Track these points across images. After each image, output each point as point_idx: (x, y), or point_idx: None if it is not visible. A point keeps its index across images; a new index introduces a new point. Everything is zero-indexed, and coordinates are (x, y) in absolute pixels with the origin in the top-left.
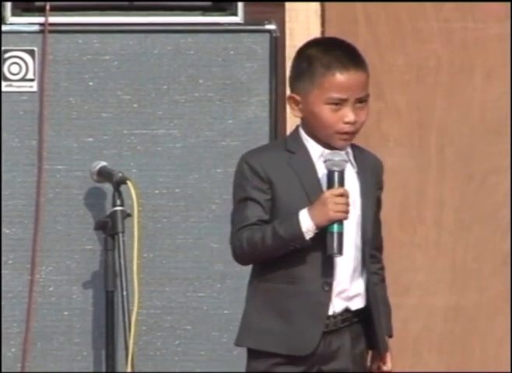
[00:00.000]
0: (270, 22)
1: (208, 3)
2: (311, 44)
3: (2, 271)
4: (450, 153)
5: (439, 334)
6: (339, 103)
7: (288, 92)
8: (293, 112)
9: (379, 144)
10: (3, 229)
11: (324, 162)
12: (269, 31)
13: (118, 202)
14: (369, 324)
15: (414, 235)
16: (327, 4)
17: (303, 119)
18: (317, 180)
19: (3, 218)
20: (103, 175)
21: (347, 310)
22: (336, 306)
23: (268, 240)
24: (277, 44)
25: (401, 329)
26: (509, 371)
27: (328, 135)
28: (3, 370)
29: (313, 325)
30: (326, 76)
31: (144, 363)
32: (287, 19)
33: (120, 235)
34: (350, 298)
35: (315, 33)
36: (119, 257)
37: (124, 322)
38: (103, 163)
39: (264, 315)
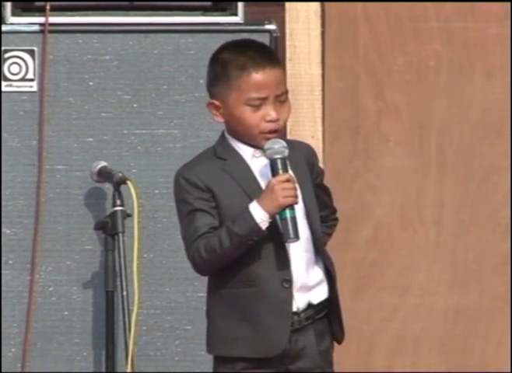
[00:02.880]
0: (270, 22)
1: (208, 3)
2: (224, 48)
3: (2, 271)
4: (450, 153)
5: (439, 334)
6: (259, 103)
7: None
8: (215, 117)
9: (379, 144)
10: (3, 229)
11: (265, 151)
12: (269, 31)
13: (118, 202)
14: (333, 316)
15: (414, 235)
16: (327, 4)
17: (226, 123)
18: (255, 180)
19: (3, 218)
20: (103, 175)
21: (310, 306)
22: (299, 302)
23: (226, 241)
24: (277, 44)
25: (401, 329)
26: (509, 371)
27: (253, 136)
28: (3, 370)
29: (280, 324)
30: (242, 77)
31: (144, 363)
32: (287, 19)
33: (121, 235)
34: (310, 289)
35: (315, 33)
36: (119, 257)
37: (124, 322)
38: (103, 163)
39: (230, 322)
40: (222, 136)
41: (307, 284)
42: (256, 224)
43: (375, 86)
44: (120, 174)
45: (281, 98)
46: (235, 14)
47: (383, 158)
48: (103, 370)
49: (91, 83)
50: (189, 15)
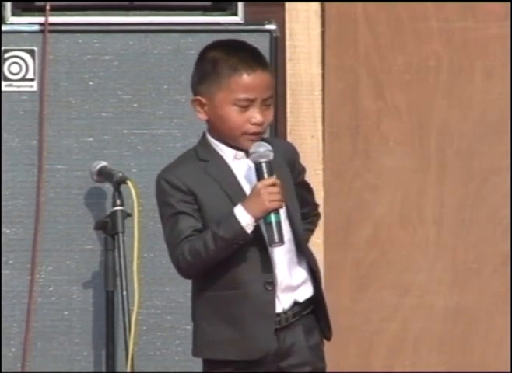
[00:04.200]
0: (270, 22)
1: (208, 3)
2: (214, 47)
3: (2, 271)
4: (450, 153)
5: (439, 334)
6: (247, 104)
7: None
8: (198, 114)
9: (379, 144)
10: (3, 229)
11: (250, 155)
12: (269, 31)
13: (118, 202)
14: (319, 313)
15: (414, 235)
16: (327, 4)
17: (208, 122)
18: (237, 182)
19: (3, 218)
20: (103, 175)
21: (296, 303)
22: (284, 302)
23: (211, 245)
24: (277, 44)
25: (401, 329)
26: (509, 371)
27: (235, 136)
28: (3, 370)
29: (264, 327)
30: (233, 77)
31: (144, 363)
32: (287, 19)
33: (121, 234)
34: (295, 289)
35: (315, 33)
36: (119, 257)
37: (124, 322)
38: (103, 163)
39: (214, 325)
40: (203, 137)
41: (291, 285)
42: (241, 228)
43: (375, 86)
44: (121, 174)
45: (267, 102)
46: (235, 14)
47: (383, 158)
48: (103, 370)
49: (91, 83)
50: (189, 15)
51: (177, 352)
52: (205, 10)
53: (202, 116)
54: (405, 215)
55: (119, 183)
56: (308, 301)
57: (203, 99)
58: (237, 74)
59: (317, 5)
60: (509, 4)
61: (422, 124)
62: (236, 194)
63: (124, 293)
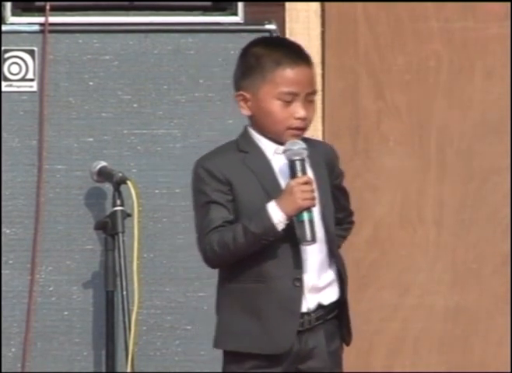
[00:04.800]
0: (270, 22)
1: (208, 3)
2: (257, 42)
3: (2, 271)
4: (450, 153)
5: (439, 334)
6: (291, 99)
7: None
8: (242, 110)
9: (379, 144)
10: (3, 229)
11: (284, 152)
12: (269, 31)
13: (118, 202)
14: (342, 318)
15: (414, 235)
16: (327, 4)
17: (252, 117)
18: (275, 176)
19: (3, 218)
20: (103, 175)
21: (320, 306)
22: (310, 302)
23: (240, 238)
24: None
25: (401, 329)
26: (509, 371)
27: (279, 131)
28: (3, 370)
29: (288, 323)
30: (277, 71)
31: (144, 363)
32: (287, 19)
33: (121, 235)
34: (320, 290)
35: (315, 33)
36: (119, 257)
37: (124, 322)
38: (103, 163)
39: (238, 317)
40: (245, 130)
41: (318, 285)
42: (272, 225)
43: (375, 86)
44: (120, 174)
45: (310, 97)
46: (235, 14)
47: (383, 158)
48: (103, 370)
49: (91, 83)
50: (189, 15)
51: (177, 352)
52: (205, 10)
53: (246, 112)
54: (405, 215)
55: (119, 183)
56: (332, 305)
57: (247, 94)
58: (281, 67)
59: (317, 5)
60: (509, 4)
61: (422, 124)
62: (272, 188)
63: (124, 293)
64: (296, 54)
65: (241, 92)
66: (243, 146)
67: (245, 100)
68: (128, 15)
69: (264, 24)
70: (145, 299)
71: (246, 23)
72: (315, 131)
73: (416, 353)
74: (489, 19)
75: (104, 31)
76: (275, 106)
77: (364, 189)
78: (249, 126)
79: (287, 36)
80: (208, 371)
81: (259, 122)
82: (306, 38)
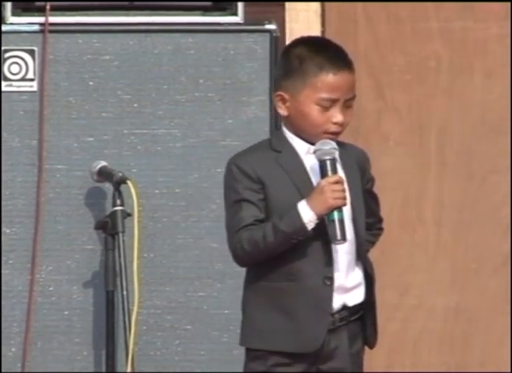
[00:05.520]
0: (270, 22)
1: (208, 3)
2: (300, 43)
3: (2, 271)
4: (450, 153)
5: (439, 334)
6: (330, 104)
7: None
8: (279, 110)
9: (379, 144)
10: (3, 229)
11: (314, 152)
12: (269, 31)
13: (118, 202)
14: (367, 320)
15: (414, 235)
16: (327, 4)
17: (287, 117)
18: (307, 176)
19: (3, 218)
20: (104, 175)
21: (344, 307)
22: (335, 302)
23: (270, 237)
24: (277, 44)
25: (401, 329)
26: (509, 371)
27: (315, 134)
28: (3, 370)
29: (318, 321)
30: (319, 76)
31: (144, 363)
32: (287, 19)
33: (121, 234)
34: (347, 291)
35: (315, 33)
36: (119, 257)
37: (124, 322)
38: (103, 163)
39: (267, 315)
40: (279, 129)
41: (345, 286)
42: (303, 224)
43: (375, 86)
44: (121, 174)
45: (349, 102)
46: (235, 14)
47: (383, 158)
48: (103, 370)
49: (91, 83)
50: (189, 15)
51: (177, 352)
52: (205, 10)
53: (283, 112)
54: (405, 215)
55: (119, 183)
56: (356, 307)
57: (286, 95)
58: (324, 73)
59: (317, 5)
60: (509, 4)
61: (422, 124)
62: (304, 187)
63: (124, 293)
64: (338, 59)
65: (280, 93)
66: (277, 145)
67: (283, 100)
68: (128, 15)
69: (264, 24)
70: (145, 299)
71: (246, 23)
72: None
73: (416, 353)
74: (488, 19)
75: (104, 31)
76: (314, 110)
77: None
78: (283, 125)
79: (287, 36)
80: (208, 371)
81: (296, 123)
82: None
